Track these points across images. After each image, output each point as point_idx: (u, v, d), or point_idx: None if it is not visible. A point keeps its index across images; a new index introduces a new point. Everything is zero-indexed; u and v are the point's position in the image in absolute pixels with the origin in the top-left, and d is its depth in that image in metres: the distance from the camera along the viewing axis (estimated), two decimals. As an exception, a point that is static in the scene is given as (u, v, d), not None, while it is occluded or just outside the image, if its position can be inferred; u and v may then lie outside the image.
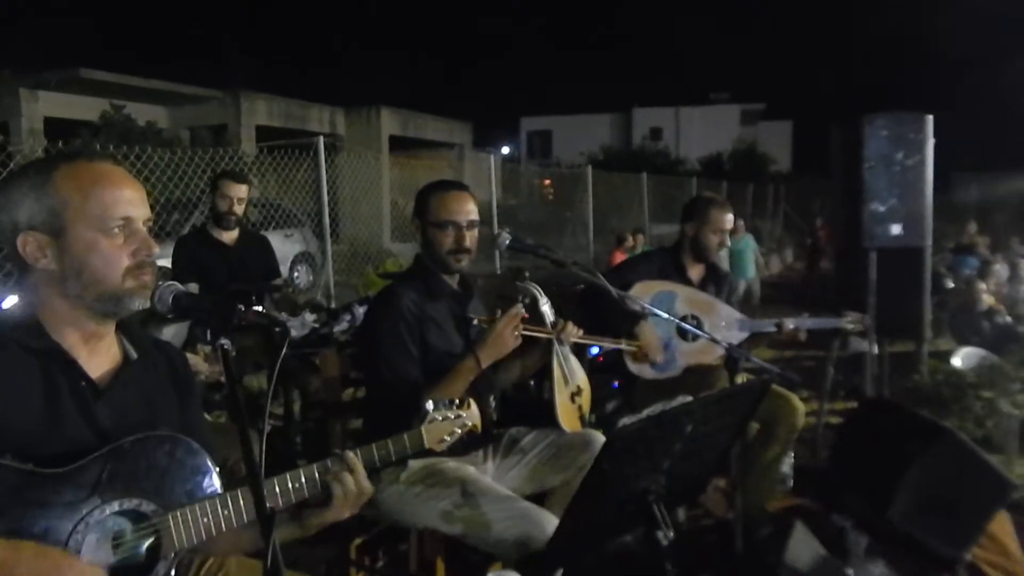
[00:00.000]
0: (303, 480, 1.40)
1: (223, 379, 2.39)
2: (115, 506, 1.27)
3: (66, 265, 1.31)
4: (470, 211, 2.32)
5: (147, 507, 1.30)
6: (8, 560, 1.14)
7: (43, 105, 14.15)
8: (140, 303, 1.35)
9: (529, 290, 2.44)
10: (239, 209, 3.73)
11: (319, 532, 1.50)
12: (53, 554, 1.20)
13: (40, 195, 1.31)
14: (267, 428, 1.26)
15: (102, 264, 1.32)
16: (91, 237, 1.31)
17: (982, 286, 7.13)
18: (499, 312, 2.26)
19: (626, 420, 2.94)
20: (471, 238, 2.31)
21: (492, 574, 1.81)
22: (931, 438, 2.95)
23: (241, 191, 3.73)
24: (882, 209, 4.07)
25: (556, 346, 2.41)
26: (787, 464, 3.61)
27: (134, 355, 1.44)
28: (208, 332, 2.48)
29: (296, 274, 10.52)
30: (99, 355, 1.40)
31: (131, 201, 1.35)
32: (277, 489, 1.38)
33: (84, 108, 13.70)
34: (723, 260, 3.67)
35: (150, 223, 1.39)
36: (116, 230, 1.32)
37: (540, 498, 2.27)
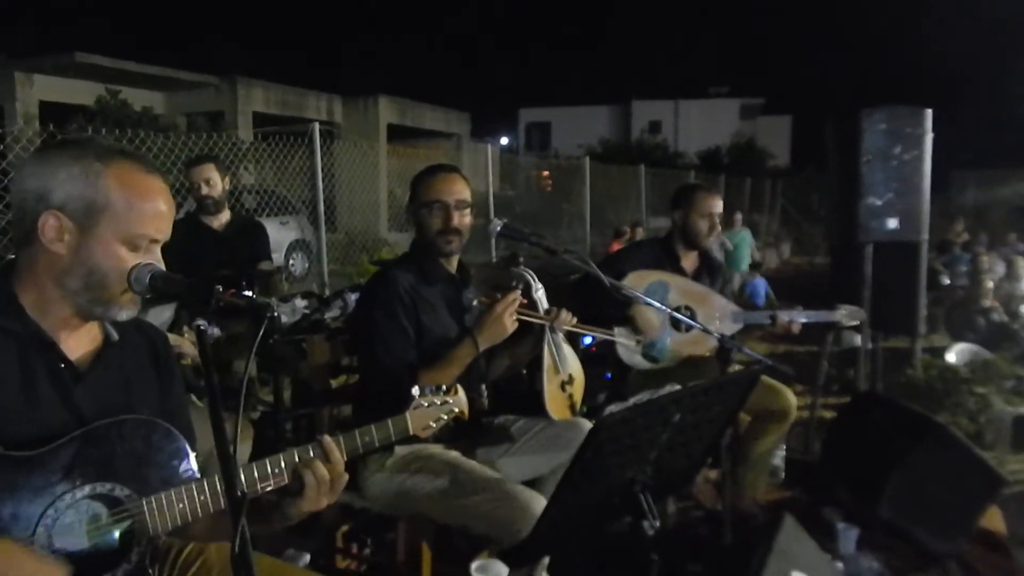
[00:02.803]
0: (283, 465, 1.37)
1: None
2: (87, 490, 1.24)
3: (78, 259, 1.28)
4: (458, 191, 2.28)
5: (121, 492, 1.27)
6: None
7: (38, 89, 14.05)
8: (127, 315, 1.34)
9: (523, 276, 2.42)
10: (212, 191, 3.65)
11: (303, 521, 1.47)
12: (9, 549, 1.16)
13: (86, 184, 1.26)
14: (252, 411, 1.24)
15: (114, 274, 1.29)
16: (115, 245, 1.28)
17: (989, 284, 7.11)
18: (498, 295, 2.24)
19: (612, 408, 2.93)
20: (459, 218, 2.27)
21: (478, 562, 1.79)
22: (923, 433, 2.94)
23: (204, 172, 3.66)
24: (879, 203, 4.04)
25: (548, 334, 2.39)
26: (779, 457, 3.61)
27: (115, 337, 1.41)
28: (193, 313, 2.45)
29: (292, 262, 10.48)
30: (79, 336, 1.37)
31: (166, 220, 1.34)
32: (256, 475, 1.35)
33: (80, 93, 13.61)
34: (718, 252, 3.67)
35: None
36: (140, 247, 1.30)
37: (529, 487, 2.25)
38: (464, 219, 2.29)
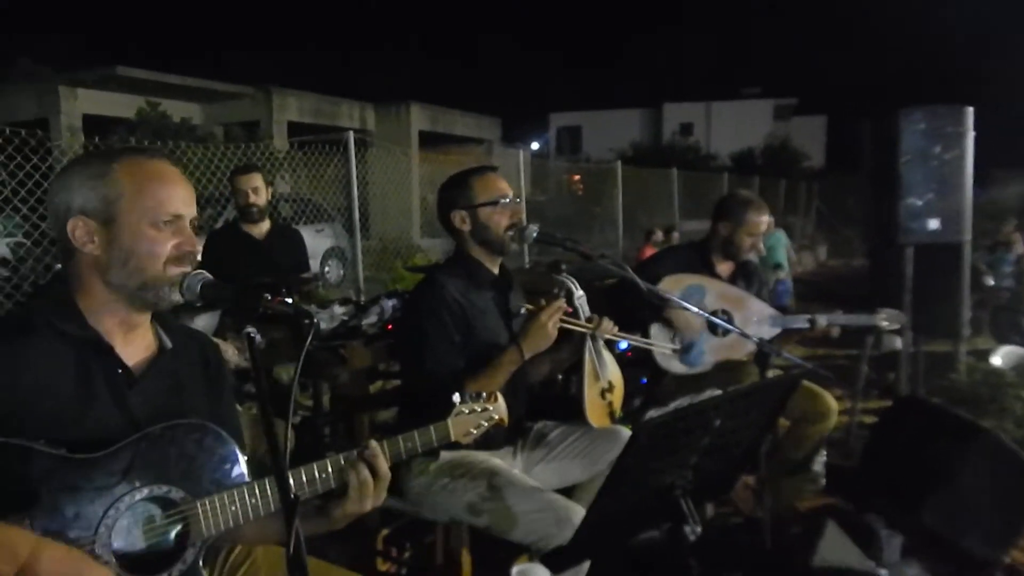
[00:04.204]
0: (329, 470, 1.41)
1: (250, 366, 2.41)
2: (145, 492, 1.28)
3: (112, 253, 1.35)
4: (510, 188, 2.33)
5: (176, 494, 1.31)
6: (37, 553, 1.15)
7: (81, 102, 14.45)
8: (178, 295, 1.38)
9: (564, 283, 2.42)
10: (258, 200, 3.74)
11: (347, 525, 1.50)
12: (75, 557, 1.20)
13: (97, 183, 1.34)
14: (292, 416, 1.27)
15: (146, 254, 1.35)
16: (141, 228, 1.35)
17: None
18: (542, 301, 2.24)
19: (652, 413, 2.92)
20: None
21: (518, 566, 1.81)
22: (968, 438, 2.88)
23: (252, 180, 3.75)
24: (919, 204, 3.97)
25: (589, 341, 2.39)
26: (819, 463, 3.55)
27: (169, 345, 1.46)
28: (237, 320, 2.50)
29: (327, 269, 10.61)
30: (135, 343, 1.42)
31: (183, 199, 1.39)
32: (304, 479, 1.38)
33: (121, 105, 13.97)
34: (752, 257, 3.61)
35: (196, 222, 1.43)
36: (165, 224, 1.36)
37: (566, 493, 2.26)
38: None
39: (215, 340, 2.31)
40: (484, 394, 1.68)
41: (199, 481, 1.34)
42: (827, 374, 2.68)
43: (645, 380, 3.27)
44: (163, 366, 1.44)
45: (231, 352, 2.45)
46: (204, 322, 2.69)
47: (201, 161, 6.82)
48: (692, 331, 2.94)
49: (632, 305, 2.78)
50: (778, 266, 9.78)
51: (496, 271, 2.38)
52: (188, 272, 1.38)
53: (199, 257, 1.41)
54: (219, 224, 6.29)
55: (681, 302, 2.52)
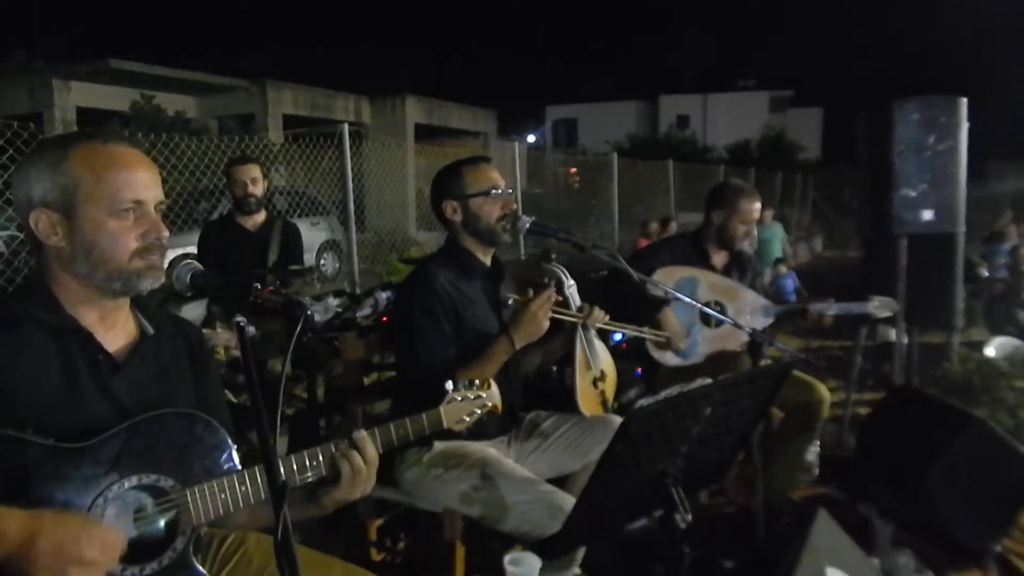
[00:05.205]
0: (320, 458, 1.41)
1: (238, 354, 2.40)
2: (133, 481, 1.28)
3: (76, 244, 1.33)
4: (502, 179, 2.32)
5: (166, 482, 1.31)
6: (30, 530, 1.15)
7: (75, 95, 14.35)
8: (149, 283, 1.36)
9: (555, 272, 2.42)
10: (256, 191, 3.76)
11: (338, 512, 1.50)
12: (73, 521, 1.20)
13: (54, 173, 1.32)
14: (282, 402, 1.27)
15: (110, 245, 1.33)
16: (100, 218, 1.32)
17: None
18: (531, 292, 2.24)
19: (643, 402, 2.92)
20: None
21: (511, 555, 1.81)
22: (961, 427, 2.89)
23: (250, 171, 3.76)
24: (913, 195, 3.98)
25: (580, 330, 2.39)
26: (812, 453, 3.56)
27: (150, 330, 1.45)
28: (226, 310, 2.49)
29: (323, 262, 10.60)
30: (115, 330, 1.41)
31: (143, 184, 1.35)
32: (295, 466, 1.39)
33: (115, 98, 13.88)
34: (746, 247, 3.60)
35: (163, 206, 1.40)
36: (125, 212, 1.33)
37: (560, 483, 2.26)
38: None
39: (206, 330, 2.31)
40: (477, 381, 1.67)
41: (189, 469, 1.34)
42: (820, 364, 2.69)
43: (639, 371, 3.27)
44: (146, 351, 1.43)
45: (218, 337, 2.43)
46: (191, 312, 2.68)
47: (195, 154, 6.79)
48: (678, 339, 2.94)
49: (626, 296, 2.78)
50: (780, 260, 9.80)
51: (488, 262, 2.37)
52: (155, 263, 1.35)
53: (185, 249, 1.39)
54: (214, 216, 6.28)
55: (674, 292, 2.52)
